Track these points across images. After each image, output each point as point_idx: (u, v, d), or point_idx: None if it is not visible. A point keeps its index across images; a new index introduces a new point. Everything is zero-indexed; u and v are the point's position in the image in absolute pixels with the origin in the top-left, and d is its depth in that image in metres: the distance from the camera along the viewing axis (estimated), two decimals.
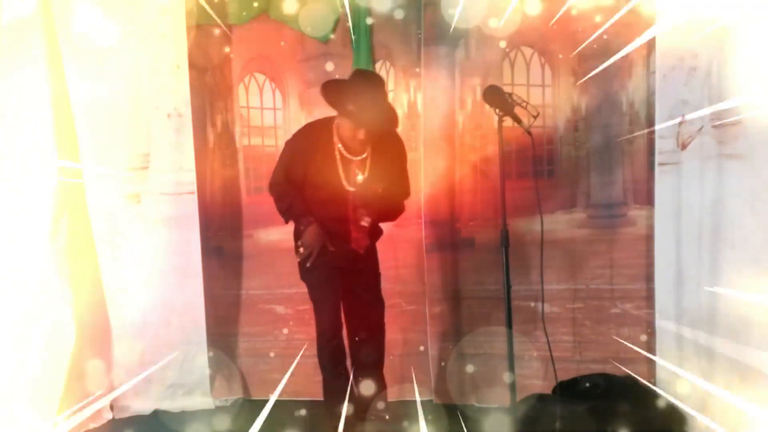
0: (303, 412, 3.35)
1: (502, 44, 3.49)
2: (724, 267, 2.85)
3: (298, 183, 2.99)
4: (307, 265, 2.96)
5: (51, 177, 3.23)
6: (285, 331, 3.76)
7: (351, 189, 2.98)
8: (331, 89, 2.92)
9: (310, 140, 3.01)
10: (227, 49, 3.74)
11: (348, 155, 2.97)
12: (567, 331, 3.57)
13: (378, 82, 2.92)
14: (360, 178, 2.98)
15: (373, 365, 3.15)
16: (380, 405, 3.14)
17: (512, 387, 2.79)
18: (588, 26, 3.39)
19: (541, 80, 3.58)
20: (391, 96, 3.68)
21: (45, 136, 3.21)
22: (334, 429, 2.97)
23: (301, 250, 2.96)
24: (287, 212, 3.04)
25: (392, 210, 3.12)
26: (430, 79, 3.59)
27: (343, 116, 2.88)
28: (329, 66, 3.66)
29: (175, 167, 3.56)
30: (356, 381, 3.15)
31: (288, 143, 3.11)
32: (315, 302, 3.11)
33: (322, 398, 3.20)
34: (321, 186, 2.96)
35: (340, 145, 2.97)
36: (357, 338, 3.15)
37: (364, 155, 2.98)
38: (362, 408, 3.12)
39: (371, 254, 3.16)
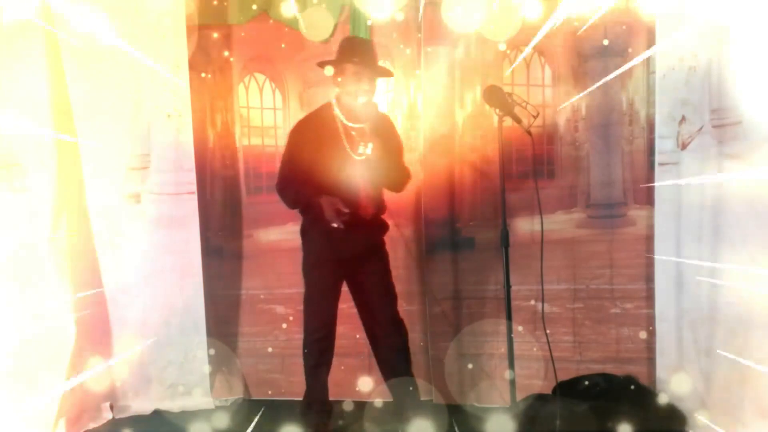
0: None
1: (502, 46, 3.49)
2: (724, 267, 2.85)
3: (305, 168, 2.99)
4: (337, 225, 2.88)
5: (51, 177, 3.24)
6: (284, 328, 3.77)
7: (356, 158, 2.99)
8: (326, 60, 3.10)
9: (311, 120, 3.08)
10: (227, 50, 3.74)
11: (349, 123, 3.00)
12: (567, 331, 3.57)
13: (367, 41, 3.13)
14: (362, 148, 2.99)
15: (396, 363, 3.13)
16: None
17: (512, 387, 2.79)
18: (588, 26, 3.40)
19: (541, 80, 3.58)
20: (390, 96, 3.69)
21: (45, 136, 3.22)
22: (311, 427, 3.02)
23: (335, 225, 2.89)
24: (296, 201, 3.05)
25: (397, 178, 3.13)
26: (430, 79, 3.59)
27: (344, 70, 2.97)
28: (330, 73, 3.65)
29: (175, 167, 3.56)
30: (385, 378, 3.16)
31: (290, 133, 3.13)
32: (310, 299, 3.09)
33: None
34: (328, 160, 2.97)
35: (341, 116, 3.01)
36: (373, 335, 3.16)
37: (364, 124, 3.02)
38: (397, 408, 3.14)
39: (380, 249, 3.15)
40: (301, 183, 2.98)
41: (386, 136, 3.08)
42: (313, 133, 3.01)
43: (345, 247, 2.99)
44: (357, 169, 2.98)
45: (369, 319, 3.15)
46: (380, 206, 3.12)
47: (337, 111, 3.02)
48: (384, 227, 3.18)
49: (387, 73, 3.16)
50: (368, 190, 3.01)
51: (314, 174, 2.96)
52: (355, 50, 2.98)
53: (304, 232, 3.11)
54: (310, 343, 3.07)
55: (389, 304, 3.13)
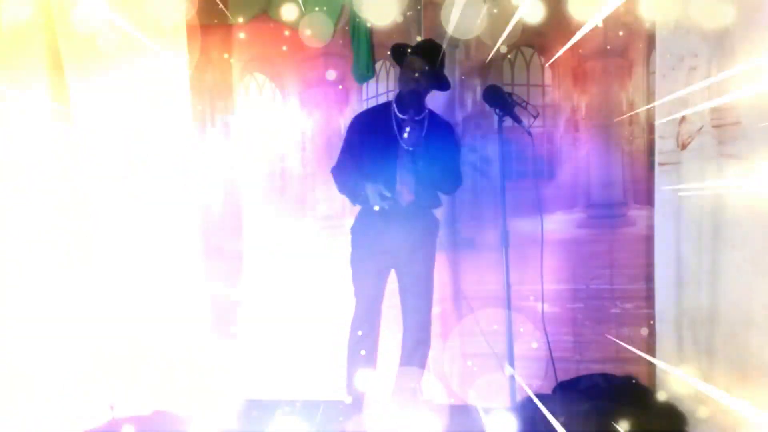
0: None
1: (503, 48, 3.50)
2: (724, 267, 2.85)
3: (358, 155, 3.12)
4: (378, 208, 3.02)
5: (51, 177, 3.24)
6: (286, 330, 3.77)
7: (407, 148, 3.08)
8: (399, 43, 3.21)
9: (370, 111, 3.29)
10: (227, 50, 3.74)
11: (400, 114, 3.12)
12: (567, 331, 3.57)
13: (440, 47, 3.15)
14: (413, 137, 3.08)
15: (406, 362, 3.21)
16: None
17: (512, 386, 2.80)
18: (589, 27, 3.40)
19: (541, 80, 3.58)
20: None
21: (45, 137, 3.22)
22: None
23: (376, 208, 3.03)
24: (345, 184, 3.17)
25: (442, 177, 3.16)
26: None
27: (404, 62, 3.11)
28: (330, 74, 3.66)
29: (176, 167, 3.56)
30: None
31: (350, 123, 3.25)
32: (357, 290, 3.18)
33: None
34: (379, 149, 3.10)
35: (396, 108, 3.14)
36: (405, 334, 3.23)
37: (419, 117, 3.10)
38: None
39: (426, 248, 3.20)
40: (353, 169, 3.12)
41: (438, 135, 3.15)
42: (368, 122, 3.18)
43: (390, 237, 3.09)
44: (405, 158, 3.09)
45: (403, 313, 3.23)
46: (425, 198, 3.16)
47: (394, 104, 3.16)
48: (432, 222, 3.23)
49: (443, 83, 3.18)
50: (408, 178, 3.08)
51: (366, 161, 3.10)
52: (422, 46, 3.14)
53: (354, 229, 3.22)
54: (354, 329, 3.17)
55: (421, 309, 3.19)
